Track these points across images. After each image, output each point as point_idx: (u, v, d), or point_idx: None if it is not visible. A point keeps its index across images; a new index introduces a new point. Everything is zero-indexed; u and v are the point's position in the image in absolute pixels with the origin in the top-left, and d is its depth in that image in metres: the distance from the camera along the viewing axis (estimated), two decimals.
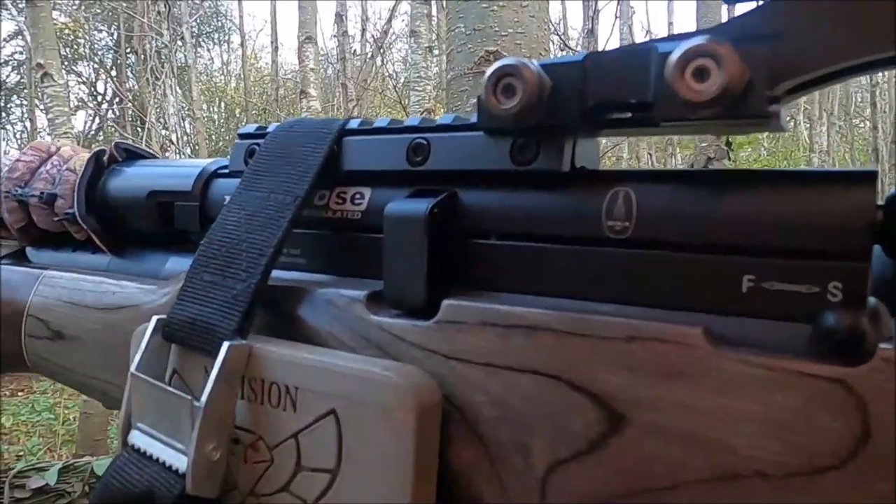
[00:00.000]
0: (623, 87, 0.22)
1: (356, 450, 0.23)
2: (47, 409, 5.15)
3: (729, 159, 2.82)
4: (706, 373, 0.20)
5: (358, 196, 0.29)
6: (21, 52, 9.91)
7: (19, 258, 0.43)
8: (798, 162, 9.23)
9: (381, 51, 7.73)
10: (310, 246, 0.30)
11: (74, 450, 3.72)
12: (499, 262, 0.25)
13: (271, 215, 0.28)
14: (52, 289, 0.37)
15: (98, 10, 9.39)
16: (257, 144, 0.31)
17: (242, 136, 0.32)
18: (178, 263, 0.36)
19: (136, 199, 0.36)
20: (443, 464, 0.24)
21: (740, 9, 0.22)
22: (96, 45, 10.32)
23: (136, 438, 0.27)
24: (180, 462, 0.25)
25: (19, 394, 5.95)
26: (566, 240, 0.24)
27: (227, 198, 0.32)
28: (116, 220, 0.38)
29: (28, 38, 3.70)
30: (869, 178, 0.20)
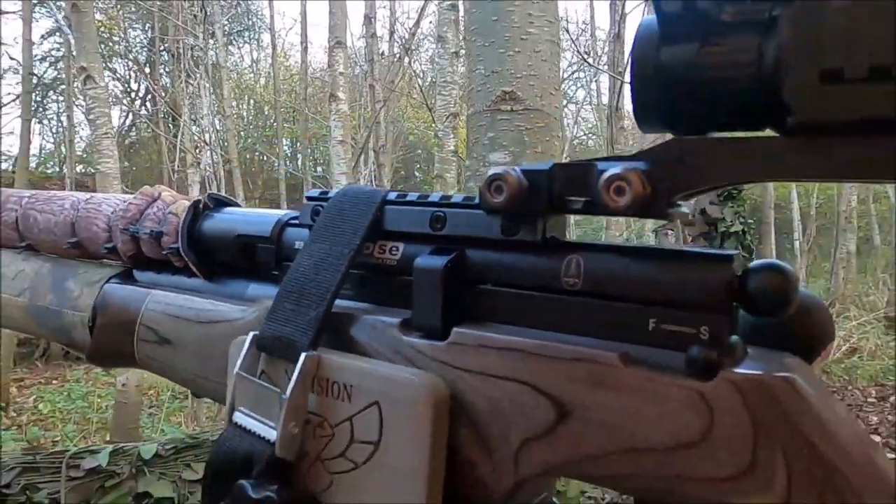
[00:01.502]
0: (574, 188, 0.32)
1: (391, 429, 0.34)
2: (81, 398, 5.35)
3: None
4: (621, 383, 0.31)
5: (394, 248, 0.40)
6: (58, 49, 10.18)
7: (127, 277, 0.55)
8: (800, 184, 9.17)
9: (409, 52, 7.82)
10: (359, 282, 0.42)
11: (108, 437, 3.89)
12: (493, 302, 0.36)
13: (333, 262, 0.39)
14: (159, 304, 0.49)
15: (133, 9, 9.59)
16: (321, 205, 0.42)
17: (309, 199, 0.44)
18: (258, 289, 0.47)
19: (226, 239, 0.48)
20: (450, 441, 0.35)
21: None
22: (131, 43, 10.55)
23: (238, 418, 0.38)
24: (271, 434, 0.36)
25: (53, 382, 6.19)
26: (538, 289, 0.35)
27: (298, 243, 0.44)
28: (209, 254, 0.50)
29: (72, 41, 3.86)
30: (728, 258, 0.30)
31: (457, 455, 0.35)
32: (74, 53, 3.79)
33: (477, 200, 0.37)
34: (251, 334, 0.39)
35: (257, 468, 0.36)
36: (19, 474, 1.69)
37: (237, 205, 0.51)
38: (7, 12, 7.12)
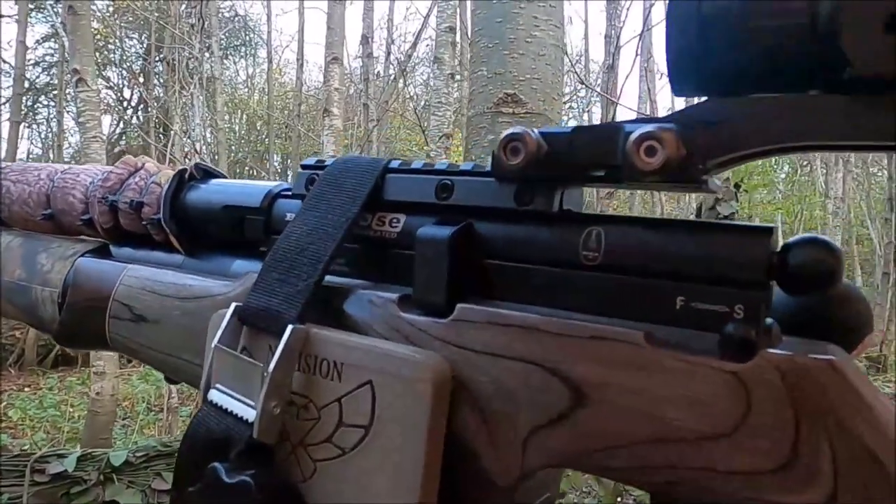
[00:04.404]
0: (598, 153, 0.30)
1: (385, 411, 0.31)
2: (53, 406, 5.23)
3: (737, 200, 2.90)
4: (646, 365, 0.28)
5: (395, 220, 0.37)
6: (52, 55, 10.15)
7: (103, 253, 0.51)
8: (813, 206, 9.29)
9: (404, 74, 7.87)
10: (354, 257, 0.38)
11: (78, 447, 3.79)
12: (502, 278, 0.33)
13: (327, 231, 0.36)
14: (136, 279, 0.45)
15: (131, 19, 9.60)
16: (316, 174, 0.39)
17: (304, 167, 0.40)
18: (243, 265, 0.44)
19: (212, 210, 0.45)
20: (449, 428, 0.31)
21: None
22: (126, 52, 10.54)
23: (215, 396, 0.35)
24: (249, 414, 0.33)
25: (26, 389, 6.04)
26: (553, 263, 0.32)
27: (289, 215, 0.40)
28: (193, 227, 0.46)
29: (66, 43, 3.83)
30: (767, 231, 0.28)
31: (456, 442, 0.31)
32: (68, 57, 3.76)
33: (487, 169, 0.34)
34: (233, 305, 0.36)
35: (234, 451, 0.33)
36: None
37: (225, 177, 0.48)
38: (3, 16, 7.09)
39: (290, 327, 0.33)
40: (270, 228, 0.42)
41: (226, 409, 0.34)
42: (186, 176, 0.46)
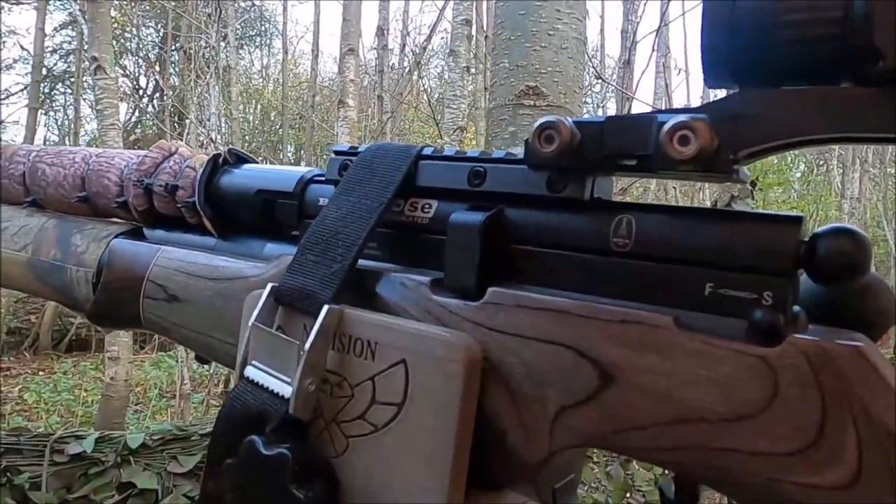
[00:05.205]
0: (631, 143, 0.30)
1: (418, 390, 0.32)
2: (68, 390, 5.29)
3: (752, 198, 2.89)
4: (673, 348, 0.28)
5: (427, 206, 0.38)
6: (70, 42, 10.21)
7: (136, 235, 0.52)
8: (828, 206, 9.22)
9: (419, 66, 7.86)
10: (386, 241, 0.39)
11: (92, 431, 3.83)
12: (533, 263, 0.34)
13: (361, 215, 0.37)
14: (170, 260, 0.47)
15: (148, 7, 9.64)
16: (350, 160, 0.40)
17: (337, 153, 0.41)
18: (275, 249, 0.45)
19: (245, 194, 0.46)
20: (479, 407, 0.32)
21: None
22: (143, 41, 10.58)
23: (251, 372, 0.36)
24: (285, 391, 0.34)
25: (41, 373, 6.12)
26: (583, 250, 0.33)
27: (322, 199, 0.41)
28: (225, 210, 0.47)
29: (85, 31, 3.86)
30: (797, 220, 0.28)
31: (486, 422, 0.32)
32: (87, 44, 3.78)
33: (519, 156, 0.35)
34: (269, 286, 0.37)
35: (270, 426, 0.34)
36: (1, 455, 1.65)
37: (257, 162, 0.49)
38: (22, 2, 7.14)
39: (325, 307, 0.34)
40: (303, 213, 0.43)
41: (262, 385, 0.35)
42: (220, 160, 0.47)
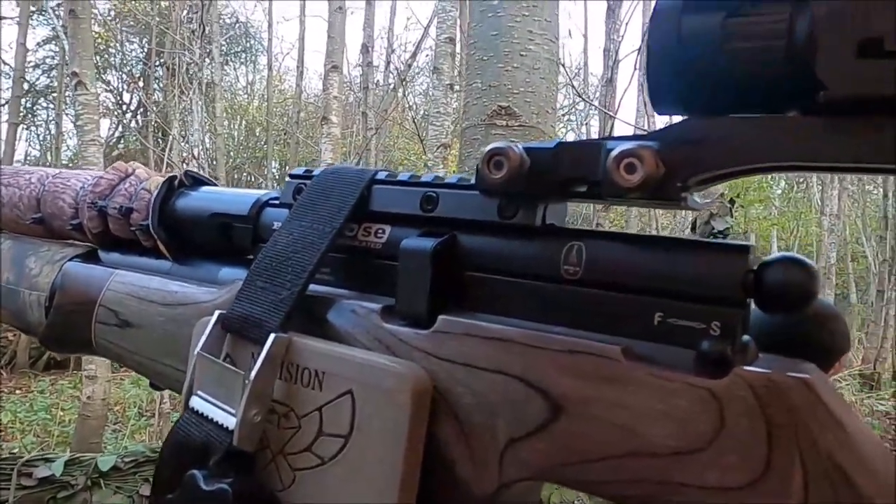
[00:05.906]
0: (581, 170, 0.30)
1: (365, 421, 0.31)
2: (44, 410, 5.20)
3: (731, 216, 2.92)
4: (623, 380, 0.28)
5: (380, 231, 0.37)
6: (52, 57, 10.16)
7: (91, 258, 0.51)
8: (809, 222, 9.33)
9: (404, 83, 7.89)
10: (339, 266, 0.38)
11: (68, 451, 3.76)
12: (484, 290, 0.33)
13: (313, 240, 0.36)
14: (123, 284, 0.45)
15: (132, 23, 9.62)
16: (304, 183, 0.39)
17: (293, 177, 0.41)
18: (230, 273, 0.44)
19: (200, 217, 0.45)
20: (428, 437, 0.31)
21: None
22: (126, 56, 10.56)
23: (196, 403, 0.35)
24: (230, 422, 0.33)
25: (17, 392, 6.01)
26: (535, 277, 0.32)
27: (276, 223, 0.41)
28: (181, 234, 0.46)
29: (66, 47, 3.84)
30: (744, 249, 0.28)
31: (434, 453, 0.31)
32: (68, 60, 3.76)
33: (472, 182, 0.34)
34: (217, 313, 0.36)
35: (214, 459, 0.33)
36: None
37: (215, 184, 0.48)
38: (5, 18, 7.10)
39: (272, 335, 0.33)
40: (257, 237, 0.42)
41: (206, 416, 0.34)
42: (176, 183, 0.47)
